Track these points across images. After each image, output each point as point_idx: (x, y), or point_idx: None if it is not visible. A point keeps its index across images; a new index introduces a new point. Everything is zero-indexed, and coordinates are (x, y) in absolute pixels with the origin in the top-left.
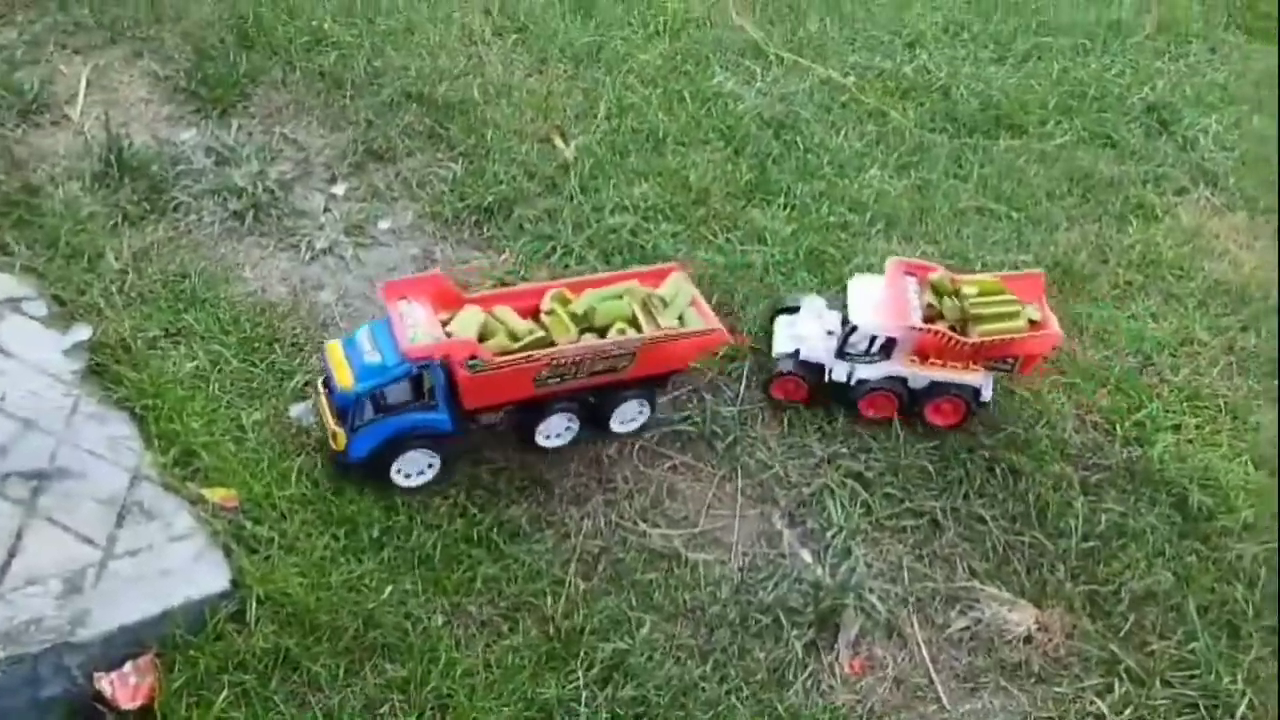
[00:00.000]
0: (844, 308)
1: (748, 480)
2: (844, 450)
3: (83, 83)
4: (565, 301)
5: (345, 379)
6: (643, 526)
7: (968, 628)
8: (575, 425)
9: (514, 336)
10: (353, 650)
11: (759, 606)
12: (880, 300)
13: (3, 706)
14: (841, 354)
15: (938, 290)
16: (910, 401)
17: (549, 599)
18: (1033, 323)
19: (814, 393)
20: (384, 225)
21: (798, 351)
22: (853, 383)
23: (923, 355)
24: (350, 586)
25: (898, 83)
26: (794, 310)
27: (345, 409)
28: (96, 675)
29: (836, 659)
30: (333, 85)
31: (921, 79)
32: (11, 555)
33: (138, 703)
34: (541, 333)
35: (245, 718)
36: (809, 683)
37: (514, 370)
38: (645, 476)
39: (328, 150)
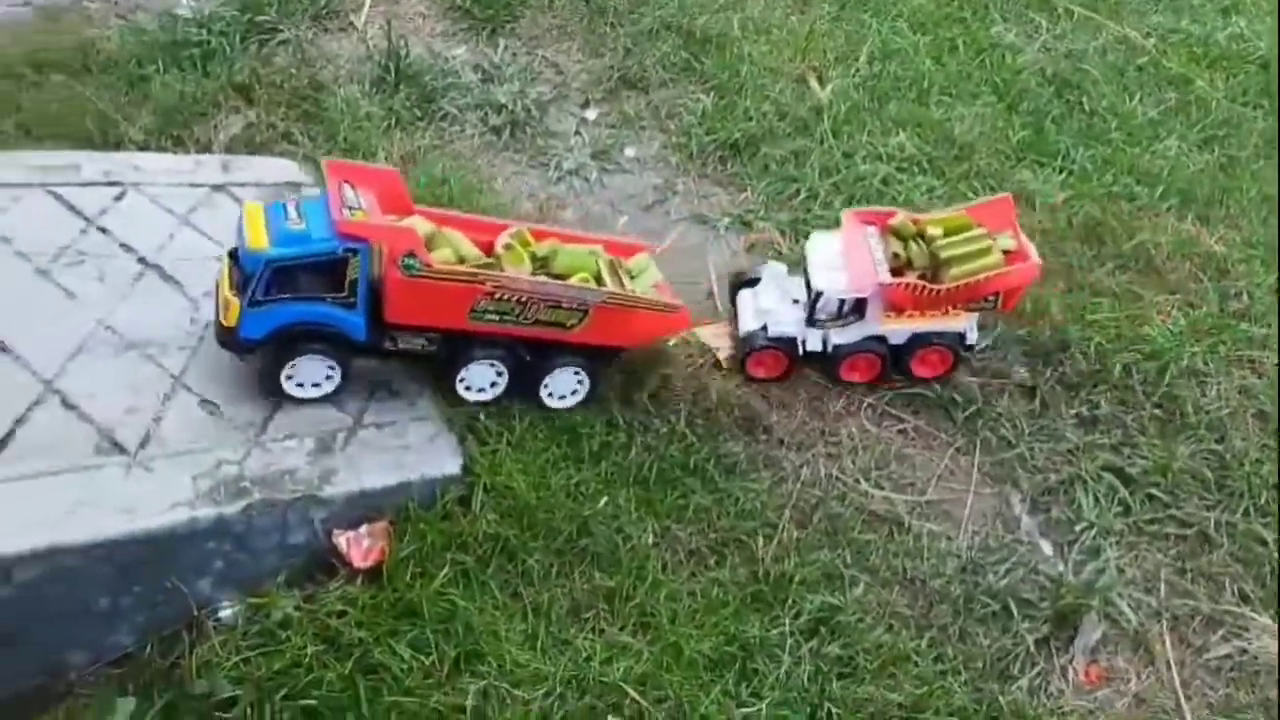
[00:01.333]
0: (804, 273)
1: (986, 456)
2: (1104, 441)
3: None
4: (526, 243)
5: (259, 239)
6: (865, 485)
7: (1229, 656)
8: (502, 382)
9: (461, 258)
10: (564, 553)
11: (987, 590)
12: (842, 259)
13: (256, 546)
14: (812, 322)
15: (900, 235)
16: (894, 359)
17: (760, 540)
18: (1007, 252)
19: (792, 365)
20: (630, 152)
21: (765, 326)
22: (829, 349)
23: (898, 309)
24: (568, 493)
25: (1206, 49)
26: (754, 283)
27: (249, 277)
28: (335, 531)
29: (1071, 662)
30: (596, 12)
31: (1236, 47)
32: (274, 411)
33: (369, 563)
34: (491, 261)
35: (462, 595)
36: (1036, 681)
37: (451, 288)
38: (872, 435)
39: (584, 75)
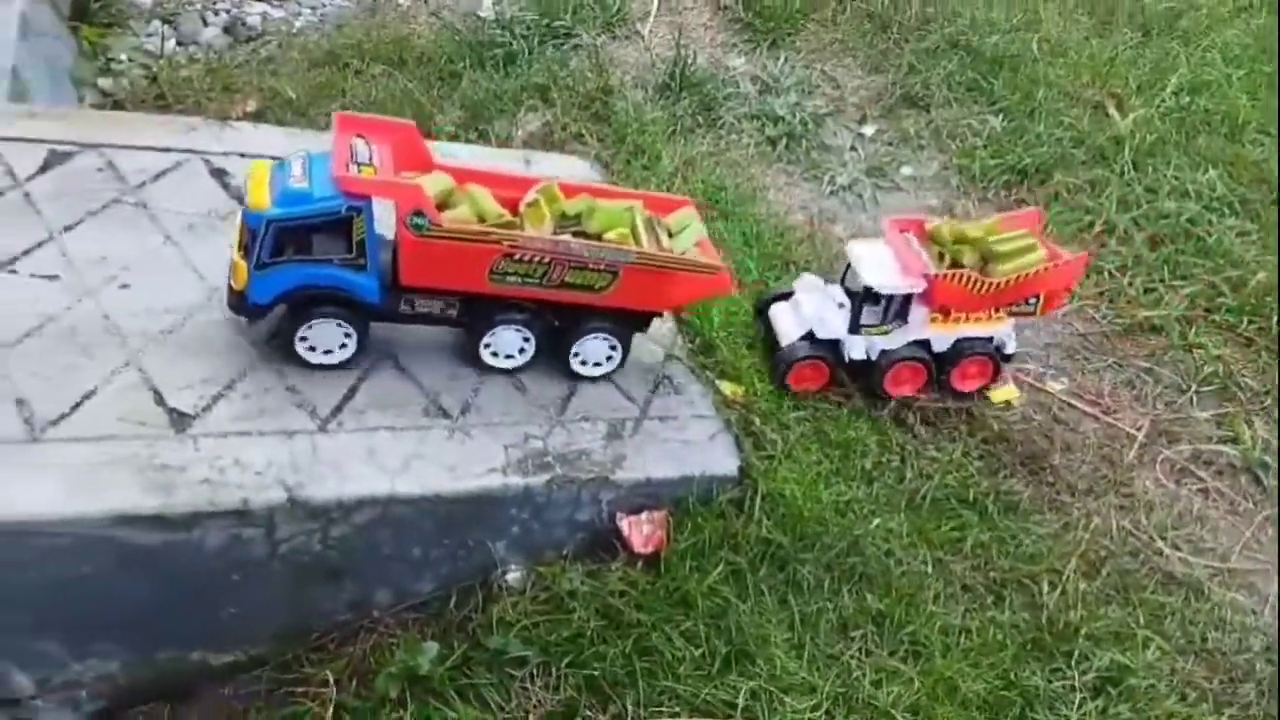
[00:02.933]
0: (843, 280)
1: None
2: None
3: (655, 4)
4: (554, 199)
5: (260, 198)
6: (1160, 544)
7: None
8: (530, 348)
9: (481, 216)
10: (834, 568)
11: None
12: (886, 260)
13: (549, 518)
14: (856, 328)
15: (938, 240)
16: (937, 368)
17: (1044, 586)
18: None
19: (834, 376)
20: (906, 171)
21: (811, 333)
22: (873, 358)
23: (945, 309)
24: (838, 509)
25: None
26: (787, 297)
27: (254, 239)
28: (619, 515)
29: None
30: (879, 28)
31: None
32: (571, 394)
33: (649, 549)
34: (513, 219)
35: (734, 594)
36: None
37: (467, 248)
38: (1170, 492)
39: (862, 91)
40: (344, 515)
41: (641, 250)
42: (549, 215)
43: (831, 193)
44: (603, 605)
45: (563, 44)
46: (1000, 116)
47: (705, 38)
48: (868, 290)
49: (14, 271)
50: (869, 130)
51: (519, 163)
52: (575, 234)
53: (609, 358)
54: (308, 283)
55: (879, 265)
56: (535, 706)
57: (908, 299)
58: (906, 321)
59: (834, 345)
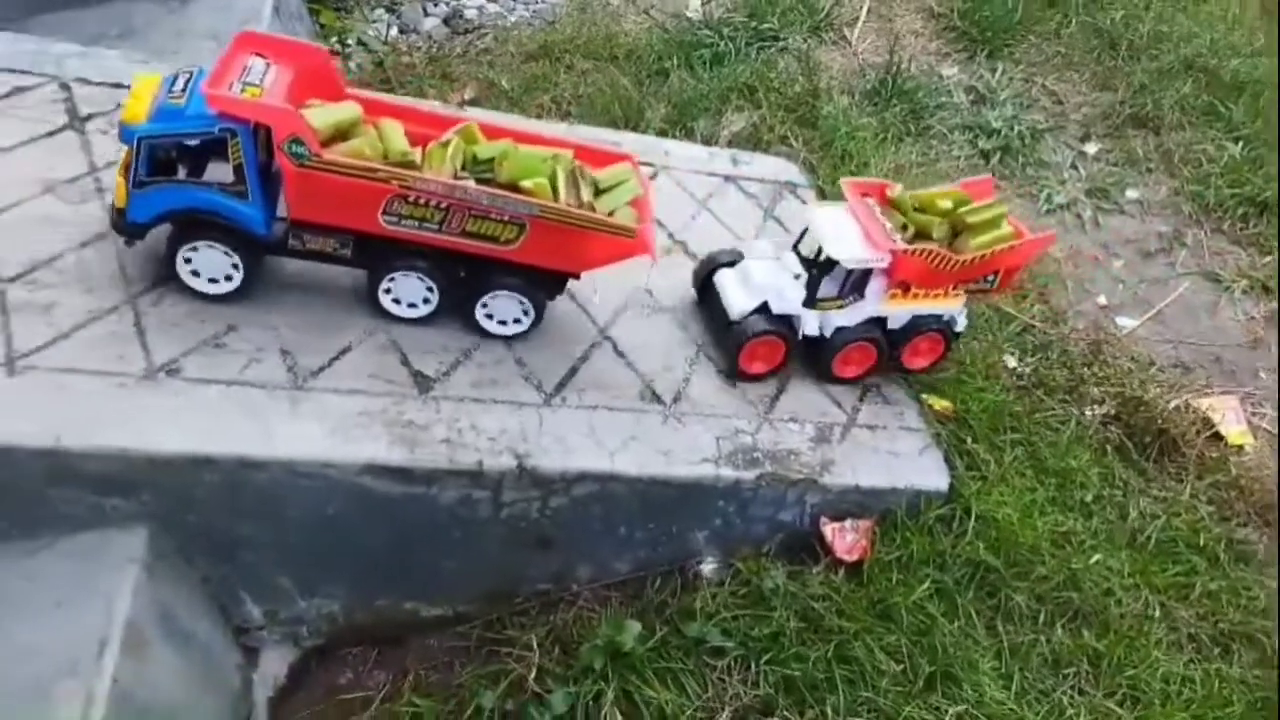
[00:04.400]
0: (796, 246)
1: None
2: None
3: (864, 10)
4: (473, 140)
5: (135, 112)
6: None
7: None
8: (434, 298)
9: (384, 153)
10: (1047, 601)
11: None
12: (850, 230)
13: (753, 514)
14: (813, 301)
15: (900, 208)
16: (888, 347)
17: (1277, 644)
18: None
19: (788, 356)
20: (1131, 194)
21: (765, 305)
22: (828, 334)
23: (905, 286)
24: (1055, 539)
25: None
26: (733, 264)
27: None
28: (823, 519)
29: None
30: (1107, 45)
31: None
32: (780, 392)
33: (853, 557)
34: (414, 159)
35: (940, 611)
36: None
37: (355, 183)
38: None
39: (1086, 108)
40: (565, 487)
41: (545, 204)
42: (454, 158)
43: (1048, 211)
44: (803, 607)
45: (769, 47)
46: (1238, 144)
47: (916, 45)
48: (828, 260)
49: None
50: (1091, 149)
51: (727, 162)
52: (485, 181)
53: (518, 320)
54: (186, 206)
55: (842, 235)
56: (732, 699)
57: (867, 273)
58: (863, 297)
59: (788, 320)
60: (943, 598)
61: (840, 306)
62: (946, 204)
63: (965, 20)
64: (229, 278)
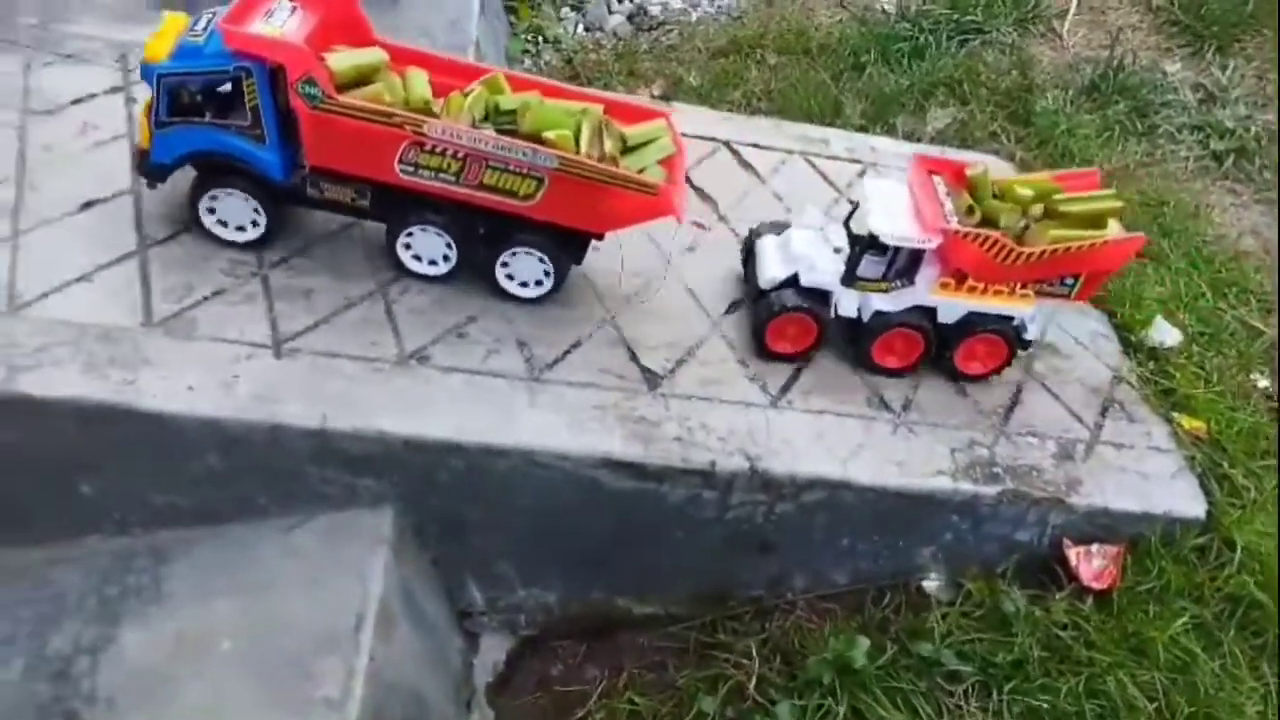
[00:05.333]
0: (848, 220)
1: None
2: None
3: (1074, 2)
4: (499, 90)
5: (156, 50)
6: None
7: None
8: (453, 255)
9: (404, 100)
10: None
11: None
12: (901, 205)
13: (987, 532)
14: (852, 279)
15: (976, 190)
16: (938, 343)
17: None
18: None
19: (821, 336)
20: None
21: (796, 277)
22: (866, 318)
23: (959, 276)
24: None
25: None
26: (780, 232)
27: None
28: (1066, 542)
29: None
30: None
31: None
32: (1014, 403)
33: (1101, 584)
34: (434, 106)
35: (1201, 649)
36: None
37: (370, 128)
38: None
39: None
40: (794, 493)
41: (562, 154)
42: (473, 106)
43: None
44: (1047, 635)
45: (972, 39)
46: None
47: (1134, 39)
48: (871, 237)
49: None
50: None
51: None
52: (508, 133)
53: (539, 281)
54: (204, 148)
55: (890, 210)
56: None
57: (918, 255)
58: (913, 283)
59: (823, 297)
60: (1202, 633)
61: (885, 289)
62: (1026, 192)
63: (1188, 14)
64: (255, 224)
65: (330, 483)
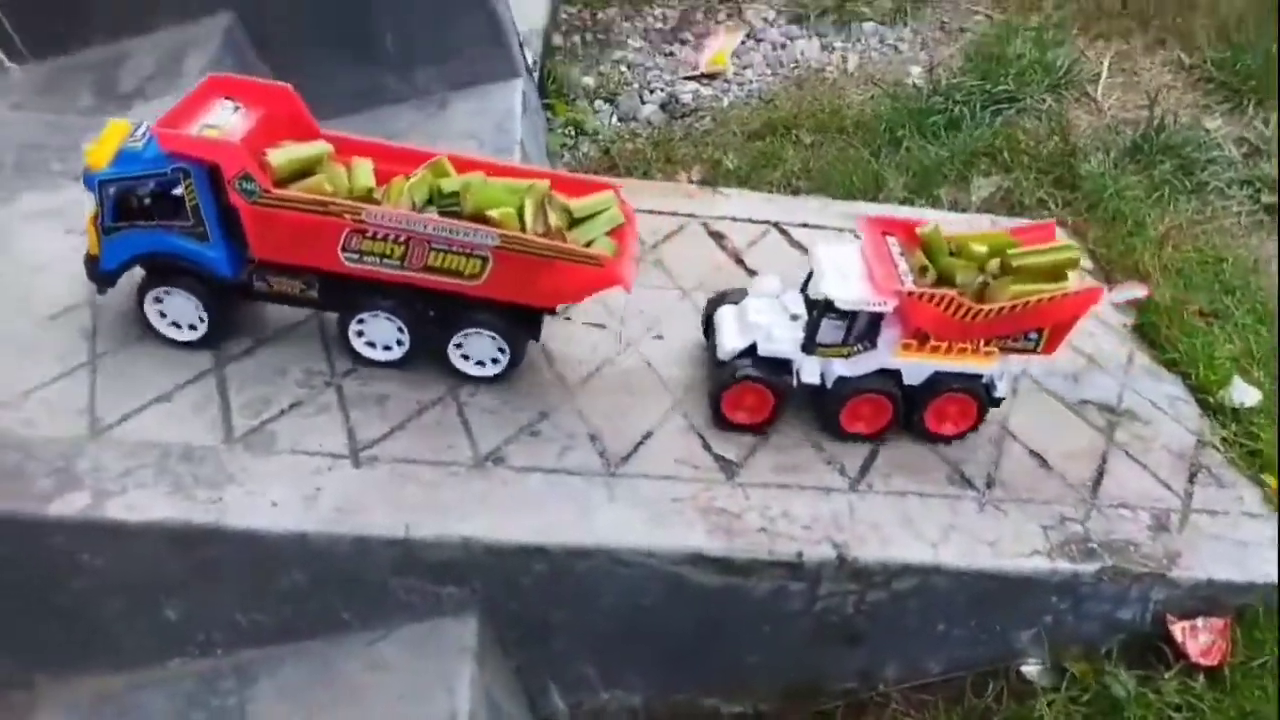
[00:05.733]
0: (804, 287)
1: None
2: None
3: (1106, 65)
4: (442, 173)
5: (98, 158)
6: None
7: None
8: (406, 339)
9: (347, 190)
10: None
11: None
12: (858, 266)
13: (1088, 611)
14: (812, 345)
15: (930, 249)
16: (906, 405)
17: None
18: None
19: (780, 406)
20: None
21: (754, 347)
22: (829, 385)
23: (918, 338)
24: None
25: None
26: (739, 300)
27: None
28: (1170, 618)
29: None
30: None
31: None
32: (1101, 474)
33: (1210, 661)
34: (376, 194)
35: None
36: None
37: (310, 219)
38: None
39: None
40: (885, 580)
41: (502, 232)
42: (413, 191)
43: None
44: (1159, 718)
45: (1006, 108)
46: None
47: (1171, 99)
48: (828, 302)
49: (569, 319)
50: None
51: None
52: (451, 215)
53: (495, 359)
54: (150, 249)
55: (843, 273)
56: None
57: (877, 318)
58: (874, 346)
59: (782, 365)
60: None
61: (847, 354)
62: (981, 248)
63: (1223, 70)
64: (194, 326)
65: (413, 592)
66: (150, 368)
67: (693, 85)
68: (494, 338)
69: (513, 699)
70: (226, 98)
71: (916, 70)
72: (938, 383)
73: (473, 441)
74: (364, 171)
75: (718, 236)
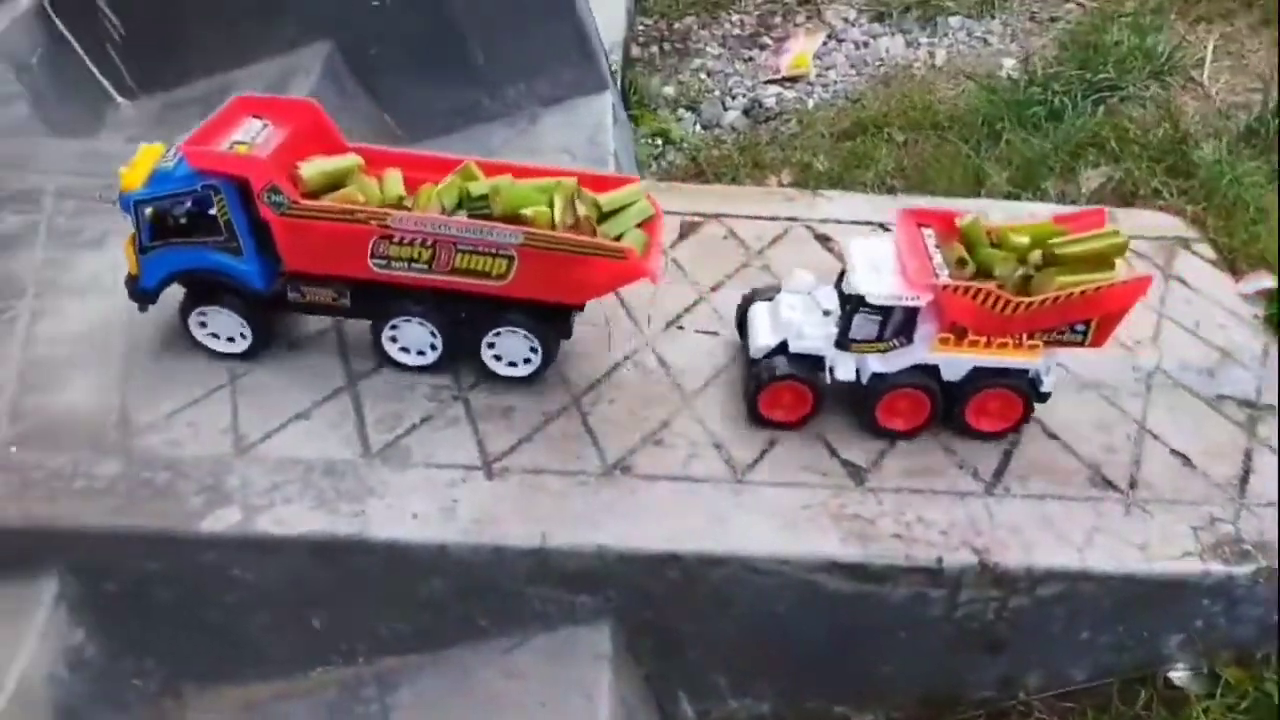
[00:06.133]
0: (838, 282)
1: None
2: None
3: (1209, 49)
4: (470, 177)
5: (132, 180)
6: None
7: None
8: (439, 343)
9: (378, 199)
10: None
11: None
12: (887, 263)
13: (1241, 614)
14: (844, 343)
15: (970, 241)
16: (946, 401)
17: None
18: None
19: (818, 402)
20: None
21: (785, 344)
22: (864, 381)
23: (956, 333)
24: None
25: None
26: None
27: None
28: None
29: None
30: None
31: None
32: (1246, 473)
33: None
34: (405, 201)
35: None
36: None
37: (339, 228)
38: None
39: None
40: (1029, 586)
41: (528, 229)
42: (442, 195)
43: None
44: None
45: (1109, 97)
46: None
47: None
48: (860, 298)
49: (681, 328)
50: None
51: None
52: (482, 217)
53: (528, 359)
54: (186, 266)
55: (876, 268)
56: None
57: (913, 313)
58: (910, 341)
59: (815, 362)
60: None
61: (883, 350)
62: (1022, 239)
63: None
64: (238, 337)
65: (548, 601)
66: (286, 387)
67: (775, 89)
68: (526, 337)
69: (645, 706)
70: (254, 115)
71: (1010, 62)
72: (978, 378)
73: (600, 450)
74: (394, 181)
75: (823, 239)
